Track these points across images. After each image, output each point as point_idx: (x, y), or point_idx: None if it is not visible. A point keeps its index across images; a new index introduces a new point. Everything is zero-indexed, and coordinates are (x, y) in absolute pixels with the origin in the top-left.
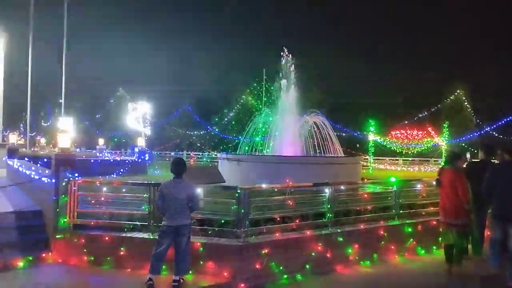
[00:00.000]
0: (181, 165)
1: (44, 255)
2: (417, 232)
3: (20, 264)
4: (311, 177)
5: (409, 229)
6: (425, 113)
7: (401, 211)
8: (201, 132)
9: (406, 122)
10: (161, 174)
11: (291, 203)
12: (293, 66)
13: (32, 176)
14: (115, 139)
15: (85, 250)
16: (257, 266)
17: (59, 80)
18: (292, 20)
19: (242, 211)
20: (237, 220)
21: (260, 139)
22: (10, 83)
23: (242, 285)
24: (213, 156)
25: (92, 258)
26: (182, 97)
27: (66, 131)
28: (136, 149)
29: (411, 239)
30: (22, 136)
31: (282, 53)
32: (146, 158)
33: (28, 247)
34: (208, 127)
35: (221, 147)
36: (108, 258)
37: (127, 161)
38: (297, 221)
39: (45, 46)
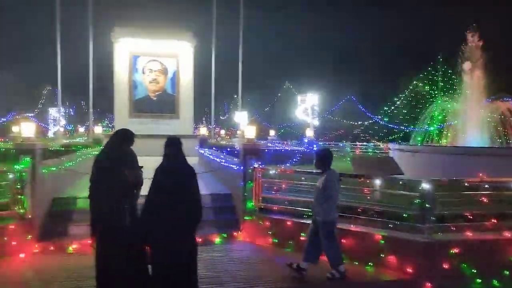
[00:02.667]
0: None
1: (235, 233)
2: None
3: (217, 239)
4: (503, 172)
5: None
6: None
7: None
8: (366, 122)
9: None
10: None
11: (485, 200)
12: (477, 46)
13: (222, 163)
14: (282, 130)
15: (269, 232)
16: (445, 266)
17: (233, 76)
18: None
19: (427, 205)
20: (421, 215)
21: (436, 128)
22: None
23: (428, 284)
24: (380, 147)
25: (276, 240)
26: (346, 87)
27: (253, 123)
28: (306, 140)
29: None
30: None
31: (467, 32)
32: (315, 148)
33: (222, 226)
34: (374, 116)
35: (388, 138)
36: (290, 242)
37: (297, 151)
38: (493, 220)
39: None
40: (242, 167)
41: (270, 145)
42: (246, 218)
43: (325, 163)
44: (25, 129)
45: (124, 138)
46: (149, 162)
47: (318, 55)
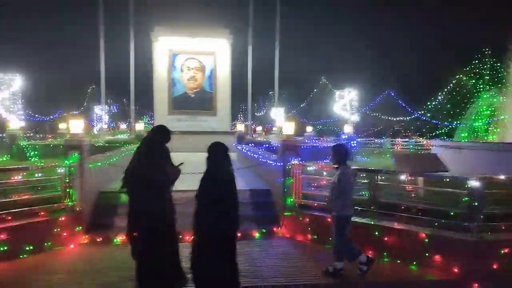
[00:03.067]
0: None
1: (274, 229)
2: None
3: (257, 234)
4: None
5: None
6: None
7: None
8: (407, 118)
9: None
10: (367, 161)
11: None
12: None
13: (260, 159)
14: (319, 126)
15: (309, 228)
16: (494, 266)
17: (270, 72)
18: None
19: (475, 203)
20: (468, 214)
21: (483, 123)
22: (236, 77)
23: (475, 285)
24: (422, 143)
25: (316, 237)
26: (385, 82)
27: (291, 119)
28: (344, 136)
29: None
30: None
31: None
32: (353, 145)
33: (261, 221)
34: (415, 111)
35: (431, 134)
36: (330, 238)
37: None
38: None
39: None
40: (281, 163)
41: (308, 141)
42: (286, 214)
43: (340, 158)
44: (74, 126)
45: (161, 134)
46: (186, 158)
47: (356, 49)
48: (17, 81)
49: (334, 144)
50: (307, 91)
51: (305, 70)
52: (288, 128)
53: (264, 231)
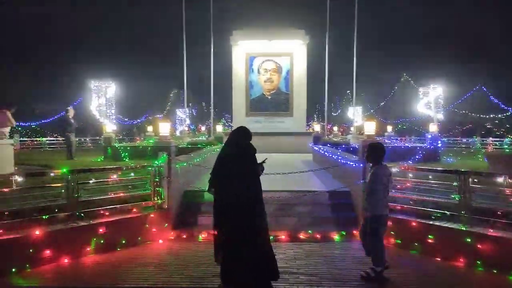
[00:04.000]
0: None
1: (354, 232)
2: None
3: (336, 237)
4: None
5: None
6: None
7: None
8: (500, 115)
9: None
10: (454, 162)
11: None
12: None
13: (339, 160)
14: (399, 126)
15: (392, 232)
16: None
17: (346, 71)
18: None
19: None
20: None
21: None
22: (311, 77)
23: None
24: None
25: (400, 241)
26: (474, 77)
27: (372, 119)
28: (429, 136)
29: None
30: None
31: None
32: (439, 145)
33: (340, 223)
34: (509, 109)
35: None
36: (415, 244)
37: (419, 148)
38: None
39: (336, 39)
40: (361, 164)
41: (388, 141)
42: None
43: (374, 157)
44: (162, 128)
45: (243, 135)
46: (262, 159)
47: (440, 43)
48: (111, 88)
49: (370, 143)
50: (387, 90)
51: (384, 67)
52: (369, 127)
53: (344, 233)
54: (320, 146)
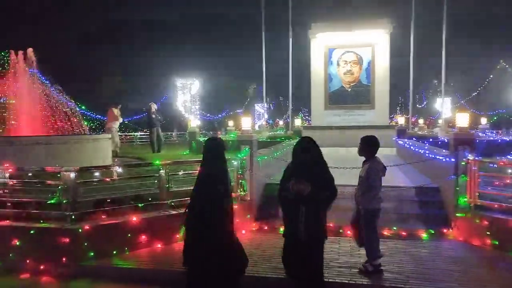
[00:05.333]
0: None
1: (444, 230)
2: None
3: (424, 235)
4: None
5: None
6: None
7: None
8: None
9: None
10: None
11: None
12: None
13: (426, 154)
14: (495, 118)
15: (488, 233)
16: None
17: (433, 60)
18: None
19: None
20: None
21: None
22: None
23: None
24: None
25: (497, 242)
26: None
27: (464, 110)
28: None
29: None
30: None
31: None
32: None
33: (429, 221)
34: None
35: None
36: None
37: None
38: None
39: (422, 27)
40: (453, 159)
41: (482, 134)
42: (458, 215)
43: (369, 151)
44: (244, 122)
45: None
46: (343, 153)
47: None
48: (195, 85)
49: (363, 136)
50: (479, 79)
51: (477, 55)
52: (462, 120)
53: (432, 232)
54: (405, 140)
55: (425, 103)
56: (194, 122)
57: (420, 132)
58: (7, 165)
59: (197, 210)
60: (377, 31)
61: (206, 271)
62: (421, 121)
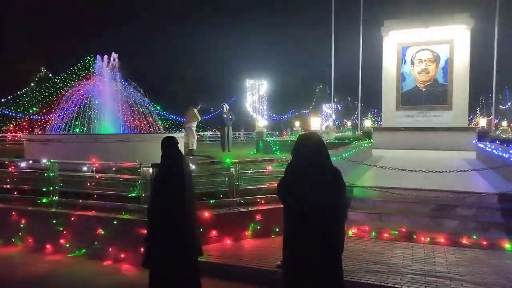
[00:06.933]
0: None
1: None
2: None
3: (507, 245)
4: None
5: None
6: None
7: None
8: None
9: None
10: None
11: None
12: None
13: (511, 159)
14: None
15: None
16: None
17: None
18: None
19: None
20: None
21: None
22: (473, 66)
23: None
24: None
25: None
26: None
27: None
28: None
29: None
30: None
31: None
32: None
33: None
34: None
35: None
36: None
37: None
38: None
39: (507, 21)
40: None
41: None
42: None
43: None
44: (314, 123)
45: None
46: (416, 156)
47: None
48: (264, 86)
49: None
50: None
51: None
52: None
53: None
54: (486, 143)
55: (509, 103)
56: (261, 122)
57: (503, 135)
58: (94, 160)
59: (160, 209)
60: (456, 27)
61: (170, 272)
62: (504, 123)
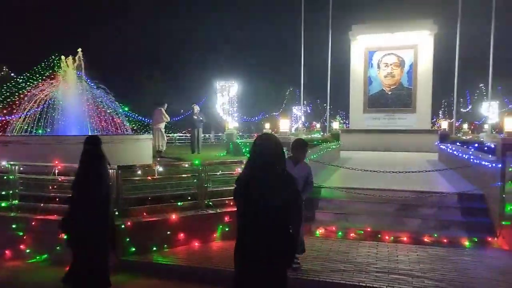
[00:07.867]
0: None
1: (489, 239)
2: None
3: (466, 243)
4: None
5: None
6: None
7: None
8: None
9: None
10: None
11: None
12: None
13: (470, 160)
14: None
15: None
16: None
17: (479, 63)
18: None
19: None
20: None
21: None
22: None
23: None
24: None
25: None
26: None
27: (510, 115)
28: None
29: None
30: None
31: None
32: None
33: (472, 229)
34: None
35: None
36: None
37: None
38: None
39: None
40: (499, 165)
41: None
42: (504, 223)
43: (303, 153)
44: (283, 125)
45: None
46: (381, 157)
47: None
48: (234, 88)
49: (297, 139)
50: None
51: None
52: (510, 124)
53: (476, 240)
54: (448, 144)
55: (470, 107)
56: (232, 124)
57: (464, 137)
58: (57, 162)
59: (81, 217)
60: (420, 33)
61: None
62: (465, 126)
